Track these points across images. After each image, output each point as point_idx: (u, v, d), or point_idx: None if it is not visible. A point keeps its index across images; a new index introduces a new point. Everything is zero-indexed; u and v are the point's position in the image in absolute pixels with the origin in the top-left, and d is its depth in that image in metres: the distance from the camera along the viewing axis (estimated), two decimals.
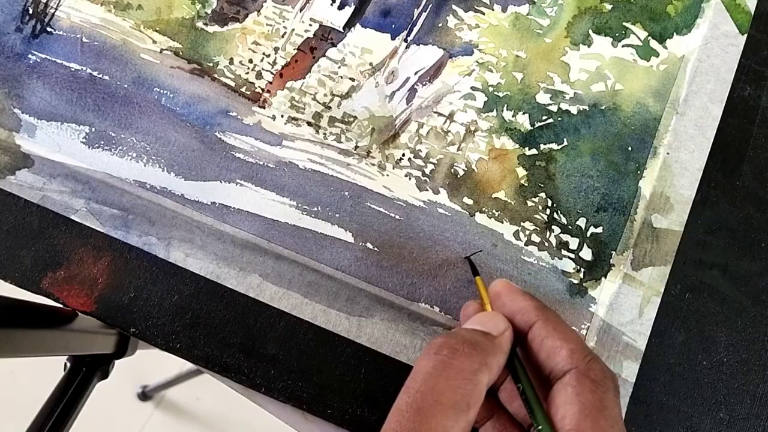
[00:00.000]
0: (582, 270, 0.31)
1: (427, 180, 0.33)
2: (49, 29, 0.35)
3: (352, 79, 0.34)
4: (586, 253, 0.32)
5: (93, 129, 0.34)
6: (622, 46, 0.34)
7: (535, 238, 0.32)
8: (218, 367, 0.31)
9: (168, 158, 0.33)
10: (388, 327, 0.31)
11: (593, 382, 0.22)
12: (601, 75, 0.33)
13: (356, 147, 0.33)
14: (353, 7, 0.35)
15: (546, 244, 0.32)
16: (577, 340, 0.24)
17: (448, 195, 0.32)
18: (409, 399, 0.21)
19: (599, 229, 0.32)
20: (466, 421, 0.21)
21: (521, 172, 0.33)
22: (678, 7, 0.34)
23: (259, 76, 0.34)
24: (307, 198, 0.33)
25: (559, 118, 0.33)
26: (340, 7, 0.35)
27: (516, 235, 0.32)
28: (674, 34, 0.34)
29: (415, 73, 0.34)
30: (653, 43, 0.34)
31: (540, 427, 0.22)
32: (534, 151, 0.33)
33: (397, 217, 0.32)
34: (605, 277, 0.31)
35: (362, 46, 0.34)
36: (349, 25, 0.35)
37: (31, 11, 0.35)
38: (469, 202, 0.32)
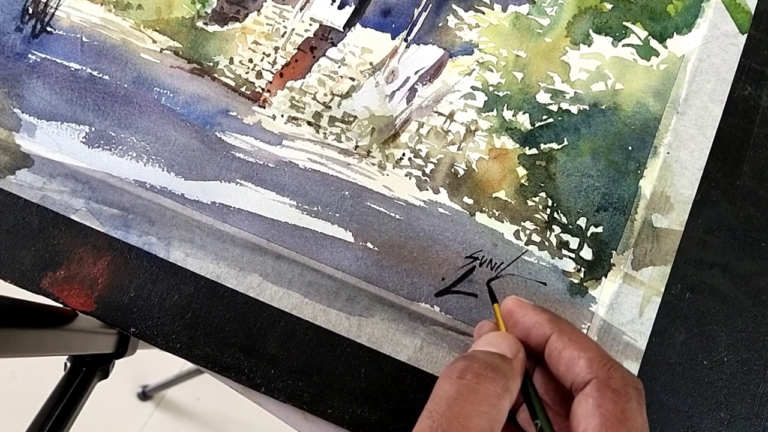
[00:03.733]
0: (582, 269, 0.31)
1: (428, 179, 0.33)
2: (49, 29, 0.35)
3: (353, 79, 0.34)
4: (587, 253, 0.32)
5: (93, 129, 0.34)
6: (623, 45, 0.34)
7: (536, 237, 0.32)
8: (218, 367, 0.31)
9: (168, 158, 0.33)
10: (389, 327, 0.31)
11: (614, 391, 0.22)
12: (602, 74, 0.33)
13: (356, 146, 0.33)
14: (353, 7, 0.35)
15: (546, 243, 0.32)
16: (595, 349, 0.23)
17: (448, 194, 0.32)
18: (433, 424, 0.21)
19: (599, 229, 0.32)
20: None
21: (521, 171, 0.33)
22: (678, 7, 0.34)
23: (259, 75, 0.34)
24: (307, 197, 0.33)
25: (560, 118, 0.33)
26: (340, 7, 0.35)
27: (516, 234, 0.32)
28: (674, 33, 0.34)
29: (416, 73, 0.34)
30: (653, 43, 0.34)
31: None
32: (534, 151, 0.33)
33: (397, 216, 0.32)
34: (605, 277, 0.31)
35: (362, 46, 0.34)
36: (349, 24, 0.35)
37: (31, 11, 0.35)
38: (470, 201, 0.32)
